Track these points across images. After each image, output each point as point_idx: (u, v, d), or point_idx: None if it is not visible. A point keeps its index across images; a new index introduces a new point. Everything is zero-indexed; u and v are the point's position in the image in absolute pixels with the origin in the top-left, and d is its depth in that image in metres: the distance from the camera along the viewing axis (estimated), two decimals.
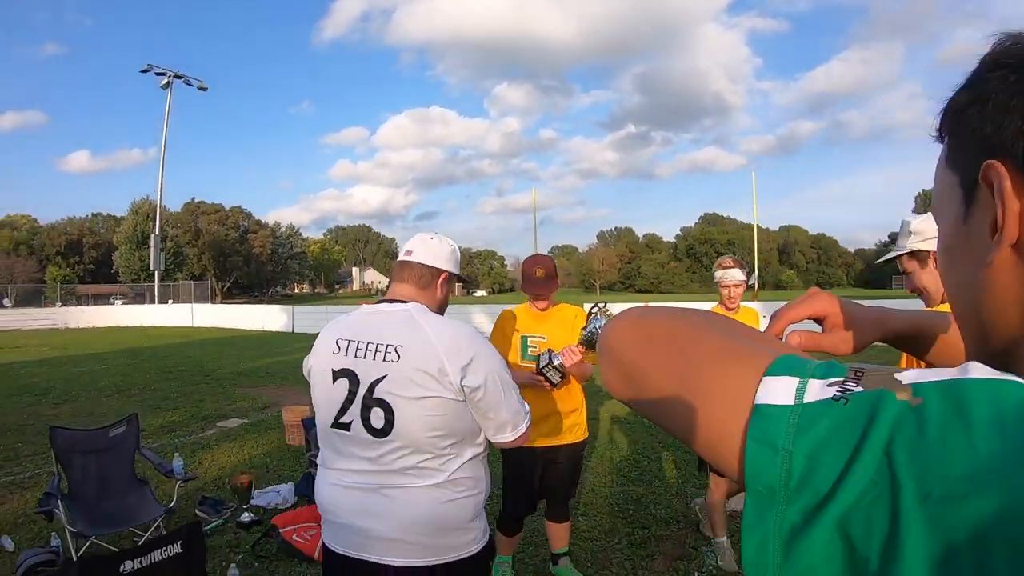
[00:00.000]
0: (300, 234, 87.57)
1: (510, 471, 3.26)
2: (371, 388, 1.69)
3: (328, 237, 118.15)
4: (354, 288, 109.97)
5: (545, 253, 4.59)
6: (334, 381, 1.75)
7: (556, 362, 2.82)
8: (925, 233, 1.98)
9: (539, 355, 2.94)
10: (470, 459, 1.78)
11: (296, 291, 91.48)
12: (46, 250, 60.40)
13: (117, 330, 25.70)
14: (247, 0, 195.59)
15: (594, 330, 2.76)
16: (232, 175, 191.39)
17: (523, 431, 1.82)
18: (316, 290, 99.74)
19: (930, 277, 1.99)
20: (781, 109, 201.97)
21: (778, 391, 0.41)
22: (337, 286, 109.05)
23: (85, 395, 9.61)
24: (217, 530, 4.27)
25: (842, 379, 0.40)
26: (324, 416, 1.79)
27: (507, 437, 1.79)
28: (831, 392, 0.39)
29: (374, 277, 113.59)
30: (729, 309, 3.60)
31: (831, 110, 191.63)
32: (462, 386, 1.68)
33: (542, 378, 2.84)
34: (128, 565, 2.58)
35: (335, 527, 1.80)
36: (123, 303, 36.68)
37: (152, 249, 28.40)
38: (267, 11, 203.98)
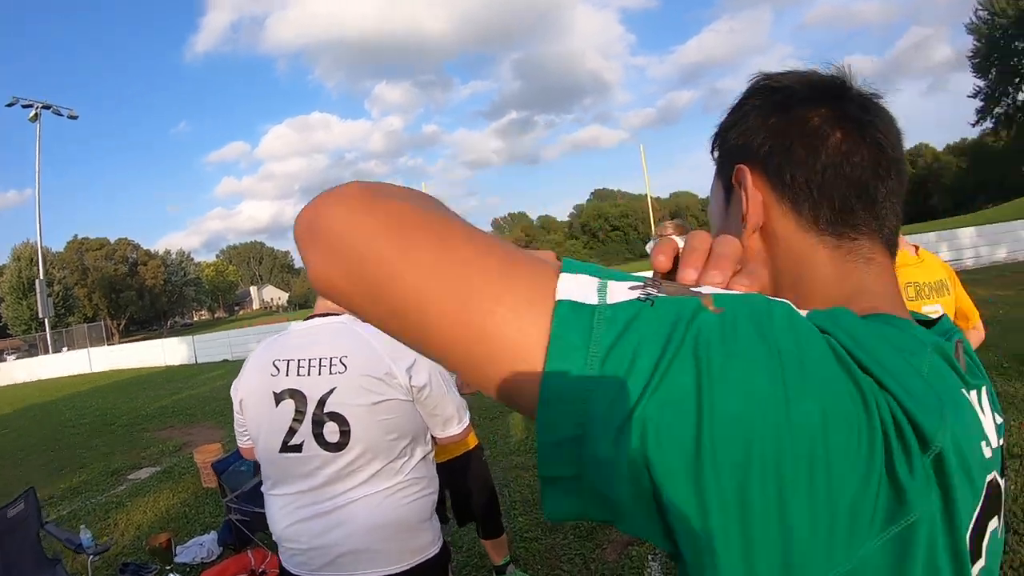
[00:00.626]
0: (192, 259, 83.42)
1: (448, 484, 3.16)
2: (320, 403, 1.66)
3: (221, 259, 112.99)
4: (254, 307, 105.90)
5: None
6: (277, 404, 1.69)
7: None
8: None
9: None
10: (422, 459, 1.81)
11: (196, 319, 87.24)
12: None
13: (12, 388, 23.76)
14: (113, 24, 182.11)
15: None
16: (116, 206, 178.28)
17: (467, 423, 1.86)
18: (216, 315, 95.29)
19: None
20: (658, 82, 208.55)
21: (579, 290, 0.39)
22: (237, 308, 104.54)
23: (40, 451, 9.20)
24: None
25: (642, 284, 0.40)
26: (269, 443, 1.71)
27: (454, 430, 1.82)
28: (635, 294, 0.39)
29: (273, 294, 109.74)
30: None
31: (707, 79, 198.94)
32: (411, 386, 1.70)
33: None
34: None
35: (298, 555, 1.73)
36: (16, 357, 34.02)
37: (39, 295, 26.42)
38: (135, 32, 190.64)
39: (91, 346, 30.86)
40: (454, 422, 1.81)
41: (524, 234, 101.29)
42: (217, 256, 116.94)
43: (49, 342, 29.47)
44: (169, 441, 8.73)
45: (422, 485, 1.78)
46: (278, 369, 1.71)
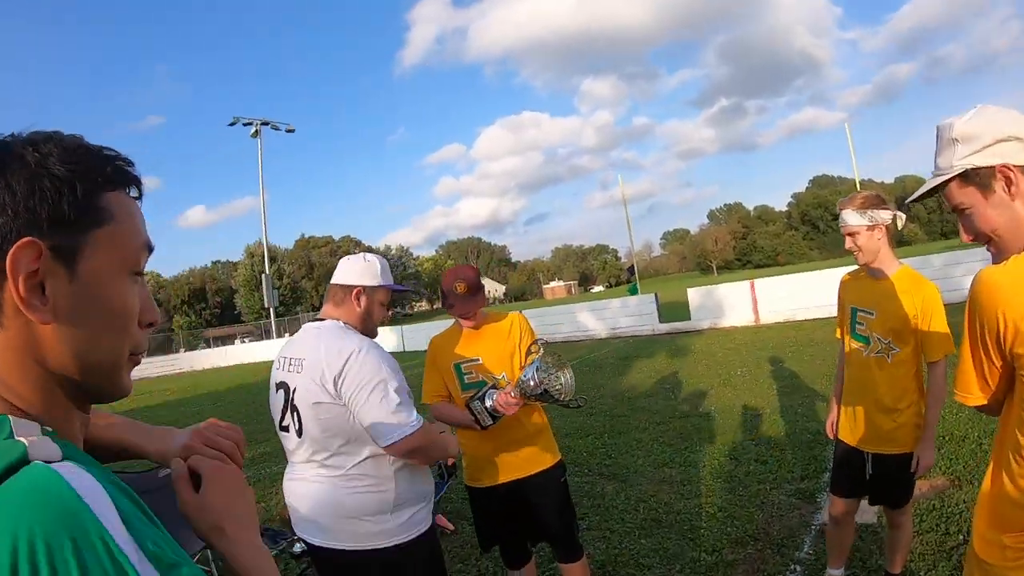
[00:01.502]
0: (411, 254, 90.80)
1: (473, 508, 2.91)
2: (291, 397, 2.02)
3: (440, 253, 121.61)
4: None
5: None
6: (276, 392, 2.10)
7: (488, 404, 2.40)
8: (982, 138, 1.23)
9: (475, 394, 2.55)
10: (368, 458, 1.98)
11: (415, 310, 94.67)
12: (172, 301, 66.12)
13: (237, 368, 27.50)
14: (323, 46, 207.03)
15: (530, 377, 2.33)
16: (341, 208, 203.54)
17: (394, 441, 1.91)
18: (435, 306, 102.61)
19: (1000, 210, 1.24)
20: (872, 56, 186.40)
21: None
22: None
23: None
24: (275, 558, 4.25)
25: None
26: (274, 422, 2.14)
27: (380, 443, 1.93)
28: None
29: (490, 287, 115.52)
30: (862, 265, 2.58)
31: (925, 47, 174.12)
32: (338, 393, 1.92)
33: (472, 418, 2.47)
34: None
35: (293, 517, 2.14)
36: (250, 341, 39.67)
37: (264, 288, 30.01)
38: (345, 53, 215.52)
39: None
40: (381, 437, 1.92)
41: (742, 225, 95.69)
42: (437, 251, 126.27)
43: (274, 329, 33.55)
44: None
45: (367, 482, 1.99)
46: (279, 363, 2.13)
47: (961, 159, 1.25)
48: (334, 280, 2.22)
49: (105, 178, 0.67)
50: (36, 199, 0.60)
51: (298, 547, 4.20)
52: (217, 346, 39.91)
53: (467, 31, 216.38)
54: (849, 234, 2.46)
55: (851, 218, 2.42)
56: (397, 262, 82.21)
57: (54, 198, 0.61)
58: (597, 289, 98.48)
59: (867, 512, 3.21)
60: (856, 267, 2.66)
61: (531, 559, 3.06)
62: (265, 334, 39.79)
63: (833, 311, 2.80)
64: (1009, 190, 1.22)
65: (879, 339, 2.52)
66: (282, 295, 42.37)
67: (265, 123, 27.40)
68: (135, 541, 0.54)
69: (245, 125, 27.10)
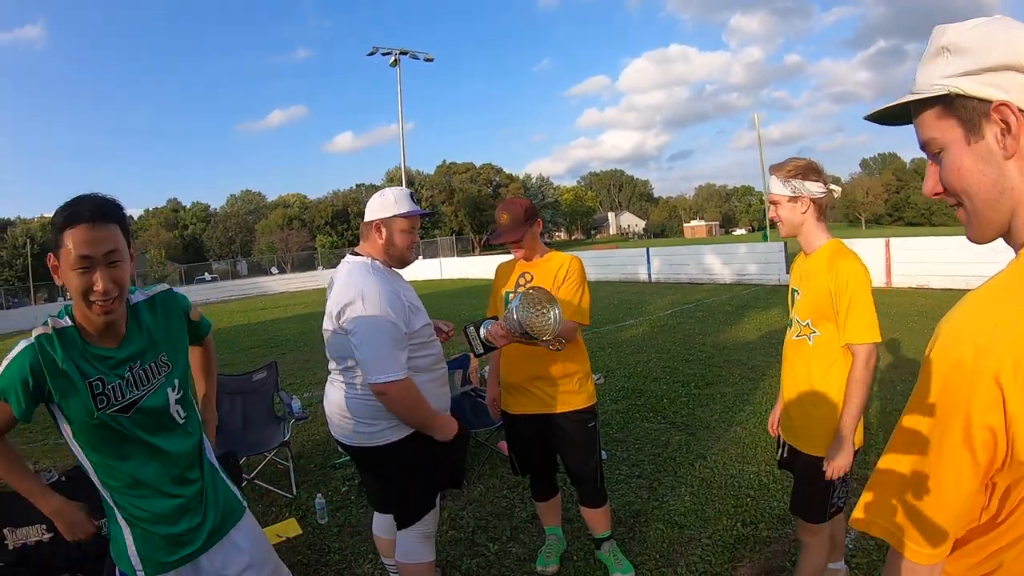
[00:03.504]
0: (551, 183, 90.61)
1: (506, 432, 3.02)
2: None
3: (581, 184, 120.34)
4: (611, 232, 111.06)
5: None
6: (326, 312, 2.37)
7: (481, 333, 2.40)
8: (984, 55, 0.82)
9: (477, 321, 2.61)
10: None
11: (553, 239, 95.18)
12: (316, 222, 70.60)
13: None
14: None
15: (512, 310, 2.30)
16: (483, 136, 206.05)
17: (378, 381, 2.13)
18: (573, 237, 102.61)
19: (982, 166, 0.84)
20: None
21: None
22: (594, 232, 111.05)
23: (311, 345, 11.06)
24: (344, 464, 4.67)
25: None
26: None
27: (368, 378, 2.16)
28: None
29: (630, 220, 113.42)
30: (784, 237, 2.48)
31: None
32: (341, 325, 2.21)
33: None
34: None
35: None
36: None
37: None
38: None
39: (457, 255, 35.84)
40: (367, 372, 2.16)
41: (896, 178, 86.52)
42: (578, 182, 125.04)
43: None
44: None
45: (363, 391, 2.27)
46: (328, 287, 2.43)
47: (946, 77, 0.84)
48: (364, 219, 2.44)
49: (61, 224, 1.56)
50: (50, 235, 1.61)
51: None
52: None
53: None
54: (772, 203, 2.28)
55: (774, 186, 2.22)
56: (536, 190, 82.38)
57: (54, 233, 1.59)
58: (739, 232, 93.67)
59: None
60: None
61: (557, 494, 3.13)
62: None
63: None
64: (1004, 142, 0.81)
65: (798, 321, 2.26)
66: (422, 218, 44.00)
67: (404, 53, 27.76)
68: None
69: (384, 55, 27.64)
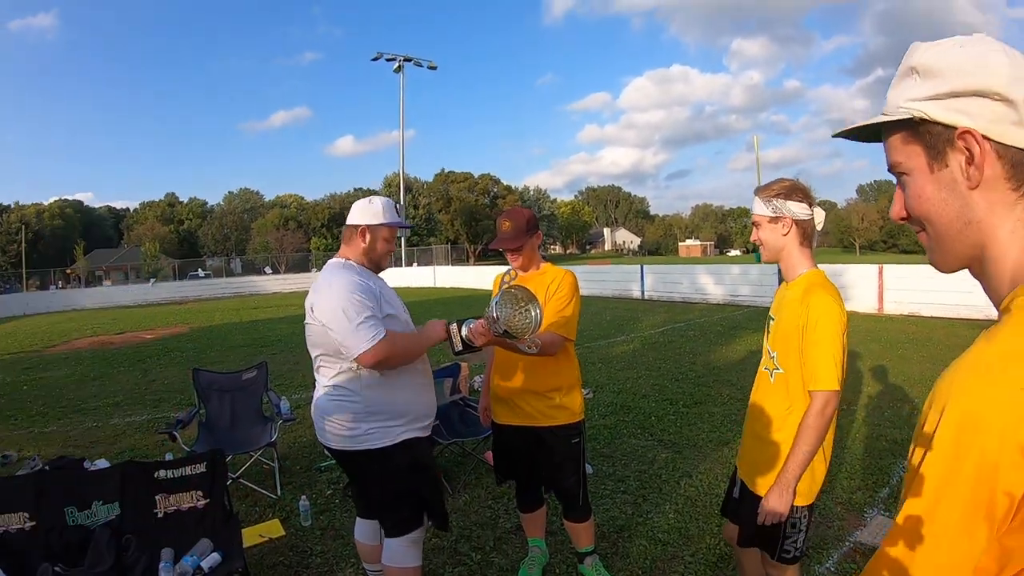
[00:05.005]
0: (548, 196, 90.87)
1: (493, 440, 3.03)
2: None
3: (578, 199, 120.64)
4: (606, 248, 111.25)
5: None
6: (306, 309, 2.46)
7: (463, 331, 2.36)
8: (952, 78, 0.77)
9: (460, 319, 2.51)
10: (341, 372, 2.36)
11: (548, 252, 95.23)
12: (312, 223, 69.88)
13: None
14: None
15: (493, 307, 2.28)
16: (482, 147, 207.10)
17: (354, 352, 2.23)
18: (568, 251, 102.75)
19: (945, 194, 0.80)
20: None
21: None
22: (589, 246, 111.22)
23: (301, 348, 10.84)
24: (329, 468, 4.67)
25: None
26: None
27: (351, 355, 2.25)
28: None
29: (626, 237, 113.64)
30: (766, 261, 2.23)
31: None
32: (316, 316, 2.35)
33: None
34: (161, 473, 2.96)
35: None
36: None
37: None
38: (495, 4, 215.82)
39: (451, 264, 35.89)
40: (349, 352, 2.25)
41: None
42: (576, 196, 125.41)
43: (403, 256, 35.10)
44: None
45: (341, 393, 2.37)
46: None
47: (912, 100, 0.80)
48: (347, 222, 2.54)
49: None
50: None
51: None
52: None
53: None
54: (754, 224, 2.14)
55: (756, 206, 2.09)
56: (534, 203, 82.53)
57: None
58: (734, 253, 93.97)
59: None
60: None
61: (543, 506, 3.13)
62: (395, 261, 41.92)
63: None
64: (967, 171, 0.77)
65: (768, 351, 2.12)
66: (416, 225, 44.01)
67: (408, 59, 28.03)
68: None
69: (388, 60, 27.86)
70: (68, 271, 53.21)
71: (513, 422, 2.81)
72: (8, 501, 2.78)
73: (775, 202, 2.04)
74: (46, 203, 72.23)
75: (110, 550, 2.71)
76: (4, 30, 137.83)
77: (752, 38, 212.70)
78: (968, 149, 0.76)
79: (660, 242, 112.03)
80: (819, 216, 2.07)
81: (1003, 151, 0.75)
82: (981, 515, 0.67)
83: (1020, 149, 0.74)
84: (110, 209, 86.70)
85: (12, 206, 67.72)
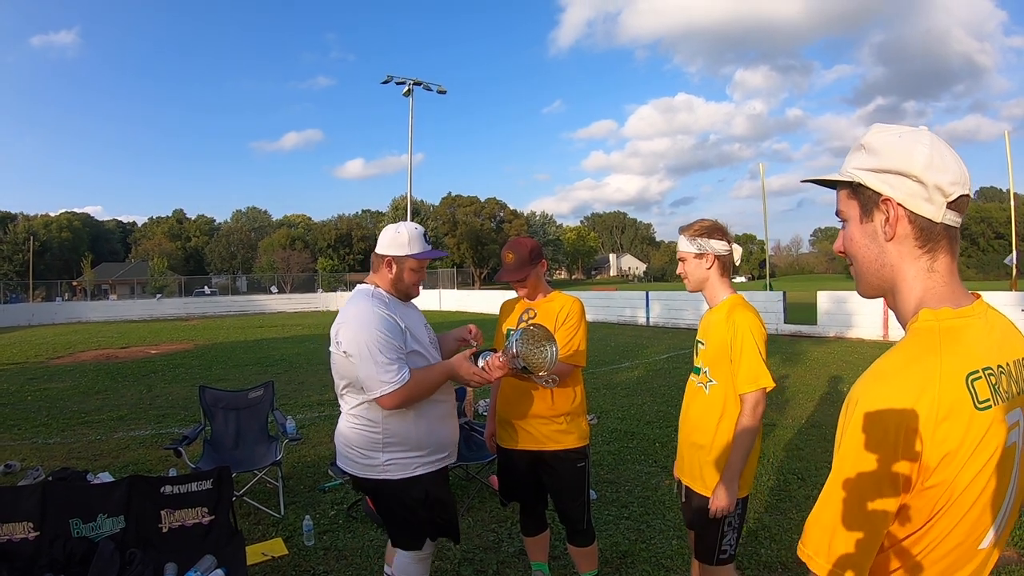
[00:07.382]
0: (554, 221, 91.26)
1: (498, 463, 3.02)
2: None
3: (584, 225, 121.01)
4: (611, 274, 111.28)
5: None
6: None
7: (480, 363, 2.38)
8: (884, 158, 1.03)
9: (476, 352, 2.54)
10: (363, 403, 2.34)
11: (554, 277, 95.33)
12: (318, 244, 70.37)
13: None
14: (488, 24, 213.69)
15: (512, 344, 2.31)
16: (489, 171, 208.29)
17: (375, 394, 2.25)
18: (573, 276, 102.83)
19: (867, 242, 1.07)
20: None
21: None
22: (594, 272, 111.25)
23: (306, 368, 11.06)
24: (333, 488, 4.66)
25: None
26: None
27: (371, 395, 2.26)
28: None
29: (631, 263, 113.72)
30: (691, 291, 2.50)
31: None
32: (339, 346, 2.32)
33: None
34: (168, 488, 2.97)
35: None
36: None
37: None
38: (501, 29, 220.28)
39: (457, 288, 35.95)
40: (367, 388, 2.27)
41: None
42: (581, 222, 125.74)
43: None
44: None
45: (361, 422, 2.37)
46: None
47: (856, 168, 1.06)
48: (376, 250, 2.51)
49: None
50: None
51: None
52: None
53: (618, 16, 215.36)
54: (679, 259, 2.46)
55: (682, 244, 2.42)
56: (539, 228, 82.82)
57: None
58: (739, 280, 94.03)
59: None
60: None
61: (546, 531, 3.12)
62: None
63: None
64: (885, 228, 1.03)
65: (700, 368, 2.39)
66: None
67: (417, 83, 28.22)
68: None
69: (398, 84, 28.05)
70: (74, 283, 53.51)
71: (520, 447, 2.82)
72: (13, 510, 2.79)
73: (699, 240, 2.36)
74: (54, 214, 72.95)
75: (114, 563, 2.71)
76: (26, 45, 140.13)
77: (754, 68, 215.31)
78: (888, 211, 1.02)
79: (666, 268, 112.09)
80: (737, 252, 2.40)
81: (913, 218, 1.01)
82: (886, 483, 0.92)
83: (926, 218, 1.00)
84: (118, 223, 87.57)
85: (19, 216, 68.25)
